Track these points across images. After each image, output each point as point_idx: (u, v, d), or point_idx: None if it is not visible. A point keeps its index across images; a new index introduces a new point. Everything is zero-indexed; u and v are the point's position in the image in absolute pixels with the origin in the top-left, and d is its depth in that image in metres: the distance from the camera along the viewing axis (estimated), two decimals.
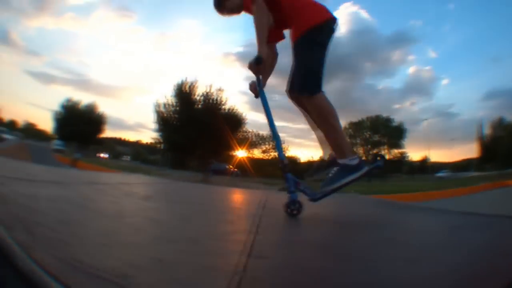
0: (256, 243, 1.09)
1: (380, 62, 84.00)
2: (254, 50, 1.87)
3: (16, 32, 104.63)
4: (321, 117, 1.88)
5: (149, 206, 2.02)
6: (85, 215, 1.31)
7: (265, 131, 39.94)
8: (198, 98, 24.87)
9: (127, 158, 46.91)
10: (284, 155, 1.95)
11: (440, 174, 41.68)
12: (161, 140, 25.43)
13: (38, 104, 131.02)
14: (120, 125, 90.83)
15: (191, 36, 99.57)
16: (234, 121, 26.69)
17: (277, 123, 2.04)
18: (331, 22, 1.96)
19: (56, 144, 37.03)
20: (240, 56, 78.80)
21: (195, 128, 23.91)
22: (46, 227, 0.93)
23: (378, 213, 2.80)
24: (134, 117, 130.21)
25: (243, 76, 72.00)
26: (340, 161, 1.84)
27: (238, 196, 3.73)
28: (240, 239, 1.13)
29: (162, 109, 23.71)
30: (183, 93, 24.32)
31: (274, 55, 2.24)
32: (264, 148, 41.03)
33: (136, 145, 69.64)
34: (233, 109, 26.94)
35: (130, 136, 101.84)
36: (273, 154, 42.56)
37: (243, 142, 32.86)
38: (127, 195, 2.33)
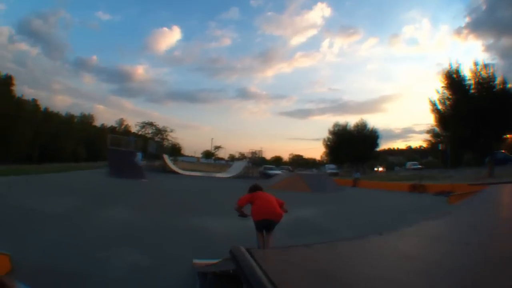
0: None
1: None
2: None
3: (253, 86, 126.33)
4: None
5: None
6: None
7: None
8: (467, 82, 22.07)
9: (411, 165, 40.97)
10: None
11: None
12: (440, 139, 24.06)
13: (300, 137, 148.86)
14: (388, 136, 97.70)
15: (420, 28, 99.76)
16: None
17: None
18: (261, 220, 3.83)
19: (329, 168, 39.81)
20: (472, 27, 69.25)
21: (475, 116, 20.96)
22: None
23: None
24: (400, 124, 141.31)
25: (481, 47, 62.25)
26: None
27: None
28: None
29: (438, 106, 22.56)
30: (454, 81, 22.17)
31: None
32: None
33: (408, 151, 72.44)
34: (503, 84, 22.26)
35: (398, 144, 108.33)
36: None
37: None
38: None
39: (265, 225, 3.87)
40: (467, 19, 66.92)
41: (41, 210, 6.33)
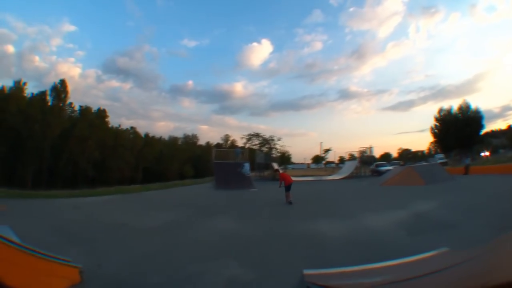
0: None
1: None
2: None
3: (353, 85, 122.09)
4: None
5: None
6: None
7: None
8: None
9: None
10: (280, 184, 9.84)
11: None
12: None
13: (406, 130, 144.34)
14: (488, 116, 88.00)
15: None
16: None
17: None
18: (288, 184, 9.51)
19: (438, 158, 37.40)
20: None
21: None
22: None
23: None
24: (499, 103, 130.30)
25: None
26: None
27: None
28: None
29: None
30: None
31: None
32: None
33: (510, 131, 65.47)
34: None
35: (499, 125, 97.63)
36: None
37: None
38: None
39: (289, 186, 9.33)
40: None
41: (134, 225, 6.30)
